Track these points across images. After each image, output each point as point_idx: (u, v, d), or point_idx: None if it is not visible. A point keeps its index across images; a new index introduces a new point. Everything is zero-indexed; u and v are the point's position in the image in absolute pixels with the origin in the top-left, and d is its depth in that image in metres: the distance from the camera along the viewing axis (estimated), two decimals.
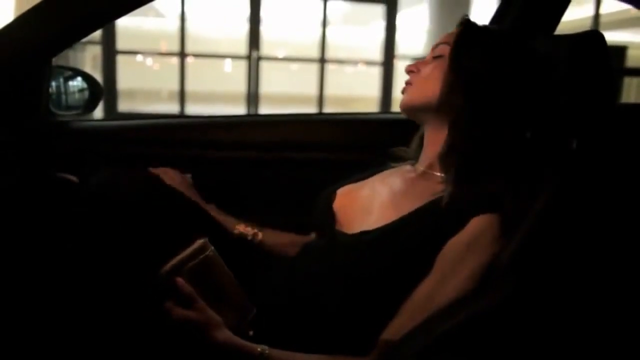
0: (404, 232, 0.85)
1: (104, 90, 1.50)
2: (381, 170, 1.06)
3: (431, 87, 0.91)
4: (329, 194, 1.04)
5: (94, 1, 0.98)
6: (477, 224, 0.81)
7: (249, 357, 0.77)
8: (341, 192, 1.04)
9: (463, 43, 0.89)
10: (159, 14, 7.20)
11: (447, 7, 7.14)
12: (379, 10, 8.24)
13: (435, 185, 0.91)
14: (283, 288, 0.92)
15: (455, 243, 0.82)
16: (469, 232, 0.81)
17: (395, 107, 7.59)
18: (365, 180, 1.05)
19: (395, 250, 0.84)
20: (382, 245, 0.85)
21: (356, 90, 8.25)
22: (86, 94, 1.34)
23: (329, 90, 7.90)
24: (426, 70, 0.93)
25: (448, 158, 0.89)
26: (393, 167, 1.06)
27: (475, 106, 0.87)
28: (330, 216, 0.99)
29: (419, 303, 0.81)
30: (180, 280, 0.77)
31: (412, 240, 0.84)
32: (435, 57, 0.94)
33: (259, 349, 0.78)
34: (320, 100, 8.19)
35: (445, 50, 0.93)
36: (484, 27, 0.93)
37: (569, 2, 1.35)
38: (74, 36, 1.02)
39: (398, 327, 0.81)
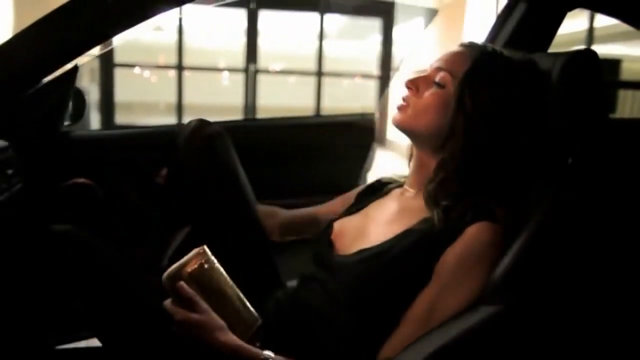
0: (401, 246, 0.86)
1: (91, 101, 1.61)
2: (373, 200, 1.07)
3: (430, 119, 0.90)
4: (327, 226, 1.05)
5: (92, 18, 0.99)
6: (473, 232, 0.82)
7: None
8: (337, 223, 1.05)
9: (471, 84, 0.86)
10: (157, 27, 7.23)
11: (443, 21, 7.20)
12: (376, 24, 8.31)
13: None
14: (287, 318, 0.94)
15: (453, 252, 0.82)
16: (465, 240, 0.82)
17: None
18: (360, 211, 1.06)
19: (394, 264, 0.85)
20: (381, 259, 0.86)
21: (353, 103, 8.29)
22: (69, 104, 1.38)
23: (326, 103, 7.93)
24: (427, 96, 0.91)
25: (437, 192, 0.88)
26: (385, 194, 1.07)
27: (474, 147, 0.86)
28: (329, 245, 1.00)
29: (420, 314, 0.82)
30: (181, 284, 0.78)
31: (410, 253, 0.85)
32: (437, 84, 0.91)
33: (263, 355, 0.78)
34: (318, 112, 8.22)
35: (448, 80, 0.89)
36: (494, 58, 0.88)
37: (563, 18, 1.37)
38: (72, 53, 1.03)
39: (400, 339, 0.82)
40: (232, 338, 0.79)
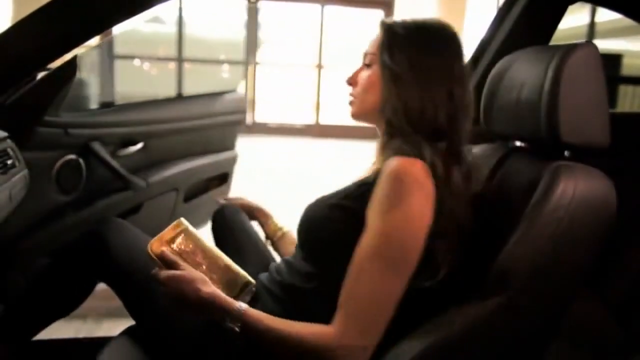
0: (347, 190, 0.94)
1: (91, 92, 1.74)
2: None
3: (371, 97, 0.98)
4: None
5: (91, 8, 0.98)
6: (387, 168, 0.85)
7: (227, 311, 0.84)
8: None
9: (387, 50, 0.95)
10: (158, 20, 7.21)
11: (444, 11, 7.18)
12: (377, 15, 8.29)
13: None
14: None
15: (374, 194, 0.86)
16: (382, 178, 0.85)
17: None
18: None
19: (337, 205, 0.92)
20: (327, 201, 0.94)
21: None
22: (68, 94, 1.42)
23: (324, 95, 7.92)
24: (363, 82, 1.00)
25: (385, 145, 0.95)
26: None
27: (406, 101, 0.93)
28: None
29: (358, 260, 0.83)
30: (164, 250, 0.90)
31: (352, 197, 0.91)
32: (367, 65, 1.00)
33: (237, 305, 0.85)
34: (318, 105, 8.21)
35: (373, 59, 0.99)
36: (400, 25, 0.96)
37: (564, 12, 1.36)
38: (72, 42, 1.03)
39: (348, 289, 0.83)
40: (213, 289, 0.86)
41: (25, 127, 1.28)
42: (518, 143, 1.15)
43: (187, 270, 0.88)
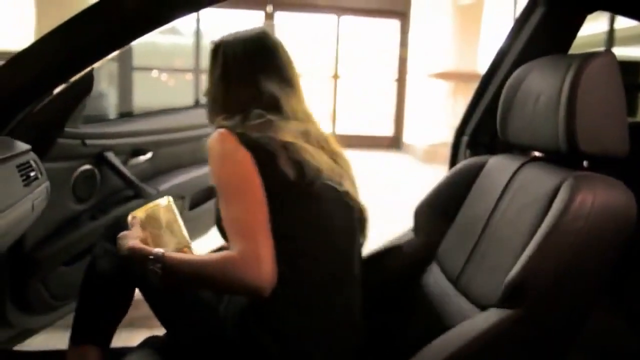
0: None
1: (109, 104, 1.80)
2: None
3: (212, 99, 1.22)
4: None
5: (111, 24, 1.00)
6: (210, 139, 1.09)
7: (148, 255, 1.01)
8: None
9: (211, 61, 1.21)
10: (175, 32, 7.31)
11: (460, 22, 7.17)
12: (393, 25, 8.31)
13: None
14: None
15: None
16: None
17: (407, 120, 7.50)
18: None
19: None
20: None
21: (369, 106, 8.28)
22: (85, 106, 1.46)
23: (341, 105, 7.93)
24: (209, 94, 1.23)
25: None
26: None
27: (220, 91, 1.19)
28: None
29: (221, 208, 1.05)
30: (133, 214, 1.14)
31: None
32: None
33: (156, 250, 1.03)
34: (334, 114, 8.23)
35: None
36: (221, 40, 1.21)
37: (582, 22, 1.35)
38: (92, 58, 1.05)
39: (226, 225, 1.03)
40: (139, 243, 1.06)
41: (46, 139, 1.31)
42: (536, 153, 1.14)
43: (132, 231, 1.10)
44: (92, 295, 1.23)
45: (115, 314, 1.24)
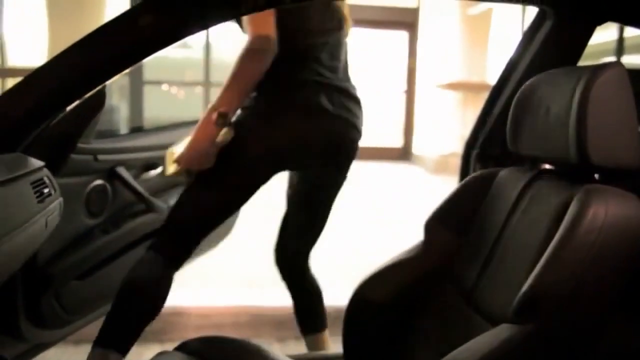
0: None
1: (120, 117, 1.86)
2: None
3: None
4: None
5: (123, 42, 1.02)
6: None
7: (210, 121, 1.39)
8: None
9: None
10: (185, 45, 7.38)
11: (469, 32, 7.18)
12: (401, 36, 8.33)
13: None
14: None
15: None
16: None
17: (417, 131, 7.46)
18: None
19: None
20: None
21: (378, 118, 8.29)
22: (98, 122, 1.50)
23: None
24: None
25: None
26: None
27: None
28: None
29: None
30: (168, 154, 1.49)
31: None
32: None
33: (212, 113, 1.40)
34: None
35: None
36: None
37: (592, 33, 1.35)
38: (104, 76, 1.07)
39: None
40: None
41: (59, 156, 1.33)
42: (547, 166, 1.14)
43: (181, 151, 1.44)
44: (126, 303, 1.28)
45: (143, 324, 1.28)
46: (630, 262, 0.85)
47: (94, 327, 1.41)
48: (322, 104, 1.45)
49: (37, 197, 1.08)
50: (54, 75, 1.02)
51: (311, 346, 1.82)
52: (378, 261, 1.22)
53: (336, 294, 1.90)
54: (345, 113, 1.51)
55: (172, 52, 7.37)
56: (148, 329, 1.35)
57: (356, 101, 1.57)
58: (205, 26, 1.07)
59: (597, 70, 0.91)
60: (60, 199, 1.22)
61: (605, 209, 0.84)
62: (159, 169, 1.77)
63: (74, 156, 1.41)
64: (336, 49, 1.55)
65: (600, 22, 1.33)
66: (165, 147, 1.81)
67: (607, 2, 1.23)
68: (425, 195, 5.17)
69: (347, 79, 1.59)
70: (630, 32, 4.92)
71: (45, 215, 1.11)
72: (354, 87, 1.59)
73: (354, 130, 1.54)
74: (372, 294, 1.14)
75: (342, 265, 2.96)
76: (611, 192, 0.87)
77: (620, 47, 5.13)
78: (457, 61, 7.18)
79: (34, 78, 1.01)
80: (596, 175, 0.99)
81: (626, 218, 0.85)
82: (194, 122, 2.07)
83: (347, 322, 1.25)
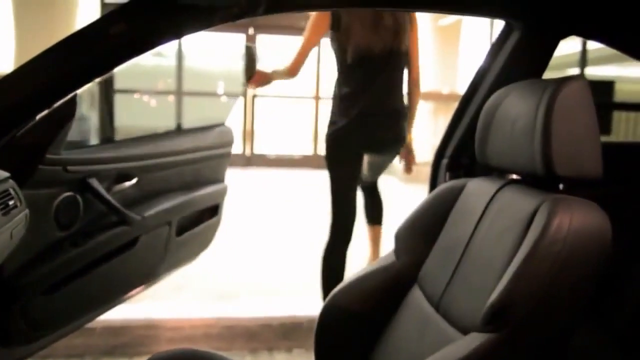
0: None
1: (91, 126, 1.84)
2: None
3: None
4: None
5: (94, 51, 1.01)
6: None
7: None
8: None
9: None
10: (158, 54, 7.32)
11: (440, 42, 7.30)
12: None
13: None
14: None
15: None
16: None
17: None
18: None
19: None
20: None
21: None
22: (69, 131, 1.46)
23: (322, 126, 7.95)
24: None
25: None
26: None
27: None
28: None
29: None
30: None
31: None
32: None
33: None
34: (316, 136, 8.26)
35: None
36: None
37: (556, 46, 1.39)
38: (74, 85, 1.05)
39: None
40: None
41: (26, 167, 1.30)
42: (514, 176, 1.16)
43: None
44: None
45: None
46: (594, 270, 0.87)
47: (62, 343, 1.38)
48: None
49: (2, 209, 1.06)
50: (23, 83, 1.00)
51: (371, 234, 2.69)
52: (349, 272, 1.23)
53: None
54: None
55: (144, 60, 7.30)
56: (116, 343, 1.32)
57: None
58: (178, 35, 1.07)
59: (561, 84, 0.94)
60: (27, 211, 1.19)
61: (570, 219, 0.86)
62: (134, 180, 1.74)
63: (42, 168, 1.37)
64: None
65: (564, 35, 1.38)
66: (139, 158, 1.78)
67: (570, 17, 1.28)
68: (397, 204, 5.20)
69: None
70: (592, 45, 5.08)
71: (11, 228, 1.09)
72: None
73: None
74: (344, 303, 1.14)
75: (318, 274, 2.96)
76: (575, 202, 0.90)
77: (583, 59, 5.28)
78: (428, 71, 7.28)
79: (1, 85, 0.99)
80: (561, 186, 1.02)
81: (590, 227, 0.87)
82: (167, 132, 2.06)
83: (319, 332, 1.25)
